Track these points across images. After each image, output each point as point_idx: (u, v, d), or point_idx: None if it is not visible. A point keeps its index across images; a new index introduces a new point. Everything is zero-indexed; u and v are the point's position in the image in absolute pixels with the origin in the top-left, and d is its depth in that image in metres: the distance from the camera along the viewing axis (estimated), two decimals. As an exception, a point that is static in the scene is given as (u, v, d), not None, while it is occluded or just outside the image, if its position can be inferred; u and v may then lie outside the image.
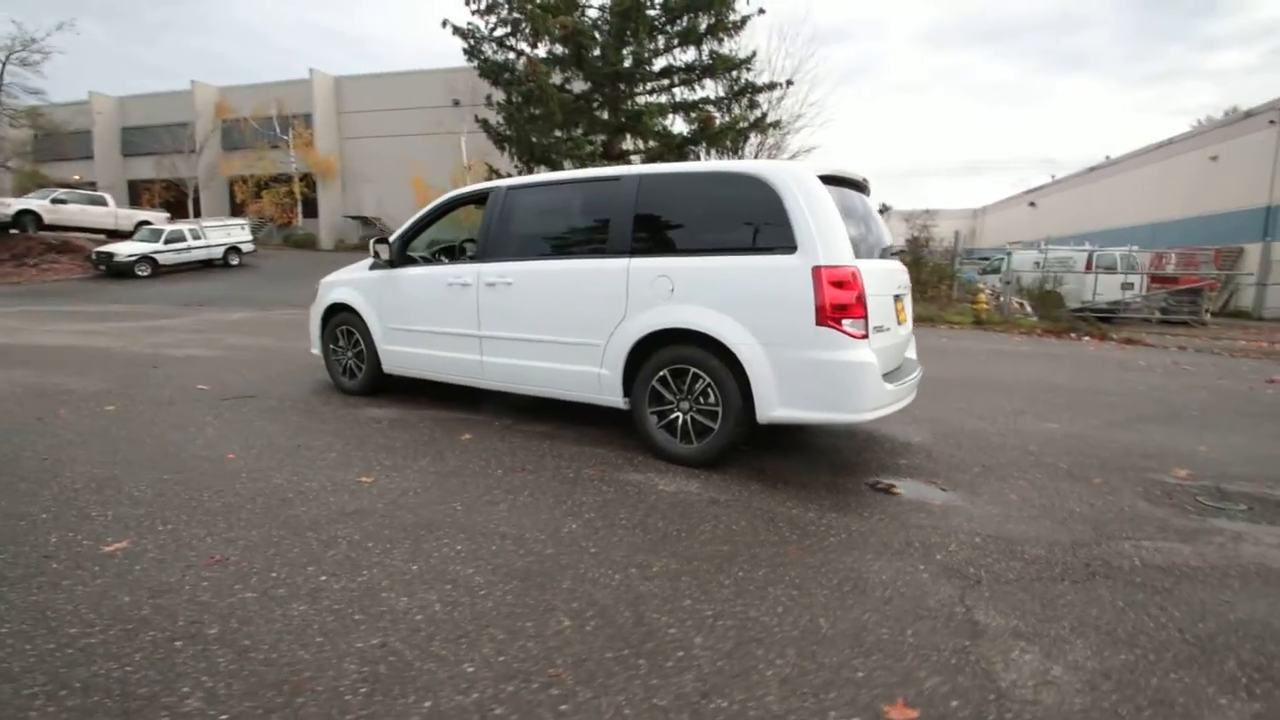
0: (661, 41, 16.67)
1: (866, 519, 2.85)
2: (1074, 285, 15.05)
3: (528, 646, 1.83)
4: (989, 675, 1.76)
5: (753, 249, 3.24)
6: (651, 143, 17.25)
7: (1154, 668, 1.83)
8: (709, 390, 3.34)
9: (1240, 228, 20.37)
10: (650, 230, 3.54)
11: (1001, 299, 14.26)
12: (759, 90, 17.19)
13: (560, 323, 3.78)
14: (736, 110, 17.18)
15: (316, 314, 5.14)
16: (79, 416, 4.22)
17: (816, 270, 3.04)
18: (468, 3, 16.31)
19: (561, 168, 17.41)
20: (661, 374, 3.47)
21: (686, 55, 17.00)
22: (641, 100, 16.87)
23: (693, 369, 3.37)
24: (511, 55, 16.97)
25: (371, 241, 4.68)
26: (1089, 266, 16.00)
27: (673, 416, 3.49)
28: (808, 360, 3.08)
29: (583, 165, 16.69)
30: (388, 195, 29.88)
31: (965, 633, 1.97)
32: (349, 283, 4.90)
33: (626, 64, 15.78)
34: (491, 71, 16.54)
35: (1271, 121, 19.49)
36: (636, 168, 3.70)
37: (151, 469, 3.22)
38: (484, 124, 17.39)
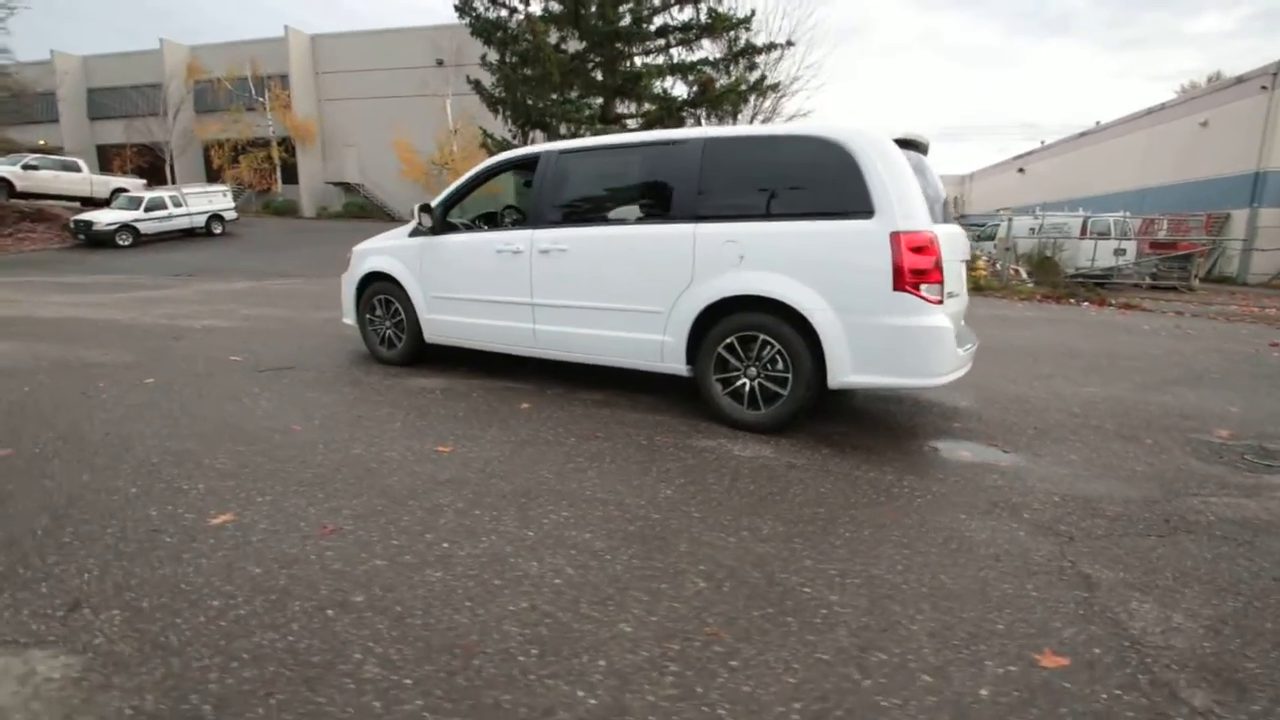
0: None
1: (944, 481, 2.93)
2: (1070, 251, 15.24)
3: (674, 607, 1.87)
4: (1118, 624, 1.85)
5: (826, 213, 3.23)
6: (649, 105, 16.94)
7: (1264, 613, 1.93)
8: (778, 356, 3.37)
9: (1228, 193, 20.70)
10: (717, 195, 3.51)
11: (999, 265, 14.43)
12: (758, 51, 16.87)
13: (620, 290, 3.76)
14: (735, 72, 16.90)
15: (350, 283, 5.05)
16: (122, 389, 4.13)
17: (895, 235, 3.05)
18: (458, -44, 15.70)
19: (558, 132, 17.06)
20: (728, 341, 3.48)
21: (683, 14, 16.61)
22: (639, 61, 16.47)
23: (761, 335, 3.39)
24: (504, 12, 16.42)
25: (415, 208, 4.57)
26: (1084, 232, 16.20)
27: (739, 383, 3.52)
28: (884, 326, 3.11)
29: (579, 129, 16.42)
30: (370, 160, 29.09)
31: (1080, 585, 2.06)
32: (387, 250, 4.81)
33: (624, 22, 15.35)
34: (484, 29, 16.01)
35: (1264, 87, 19.66)
36: (699, 130, 3.65)
37: (225, 441, 3.18)
38: (476, 85, 16.92)
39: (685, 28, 16.45)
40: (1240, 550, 2.35)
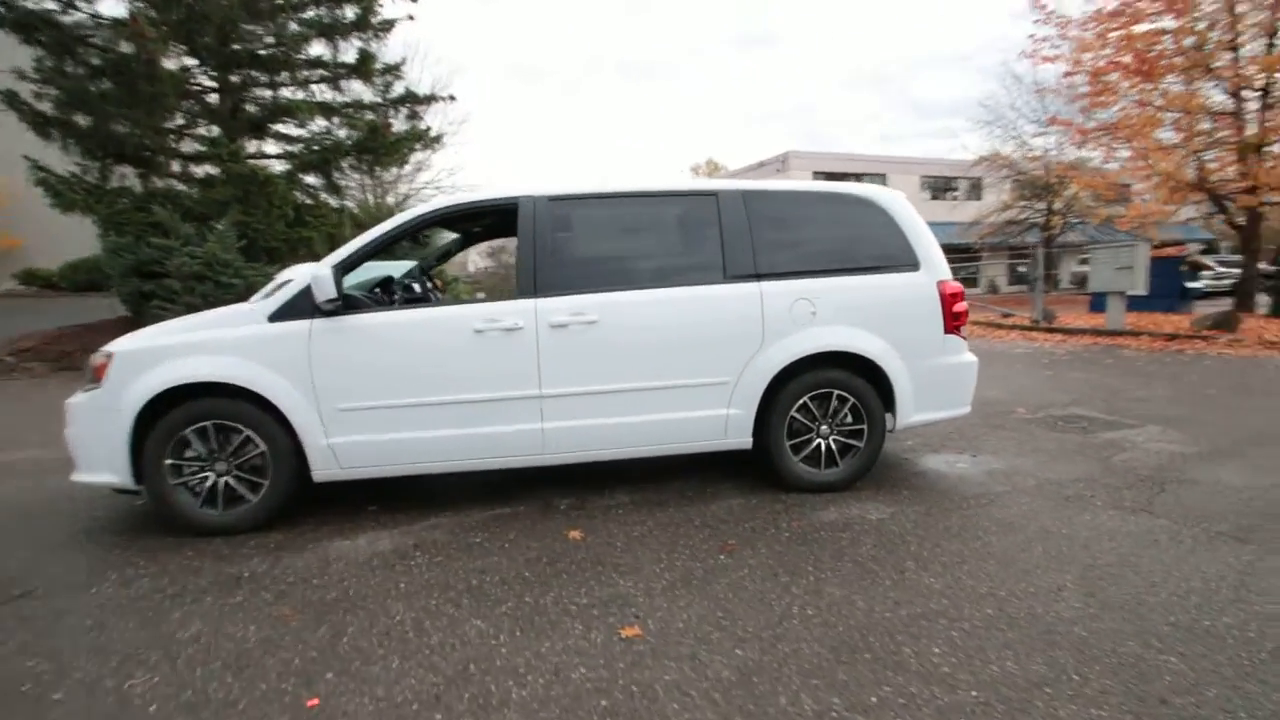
0: (294, 25, 13.96)
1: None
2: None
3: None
4: None
5: (876, 268, 3.36)
6: (298, 147, 14.35)
7: None
8: (848, 411, 3.33)
9: None
10: (772, 251, 3.27)
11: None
12: (420, 101, 16.06)
13: (673, 364, 3.14)
14: (395, 121, 15.71)
15: (120, 413, 2.88)
16: None
17: (941, 284, 3.37)
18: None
19: (162, 169, 13.00)
20: (801, 401, 3.27)
21: (321, 49, 14.65)
22: (286, 94, 13.81)
23: (836, 391, 3.29)
24: (55, 4, 11.69)
25: (277, 275, 2.92)
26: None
27: (813, 444, 3.33)
28: (939, 366, 3.40)
29: (199, 171, 12.86)
30: None
31: (1242, 545, 2.64)
32: (222, 346, 2.91)
33: (264, 45, 12.71)
34: (26, 23, 11.10)
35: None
36: (731, 183, 3.35)
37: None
38: (10, 98, 11.58)
39: (333, 64, 14.54)
40: None
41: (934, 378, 3.40)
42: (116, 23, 11.20)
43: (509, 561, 2.64)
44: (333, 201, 15.24)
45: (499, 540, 2.85)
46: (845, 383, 3.30)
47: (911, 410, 3.39)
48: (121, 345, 3.01)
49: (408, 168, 19.24)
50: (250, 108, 13.95)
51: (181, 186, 13.22)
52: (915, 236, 3.41)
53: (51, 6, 11.61)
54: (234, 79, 13.27)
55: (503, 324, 3.01)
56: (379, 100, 15.34)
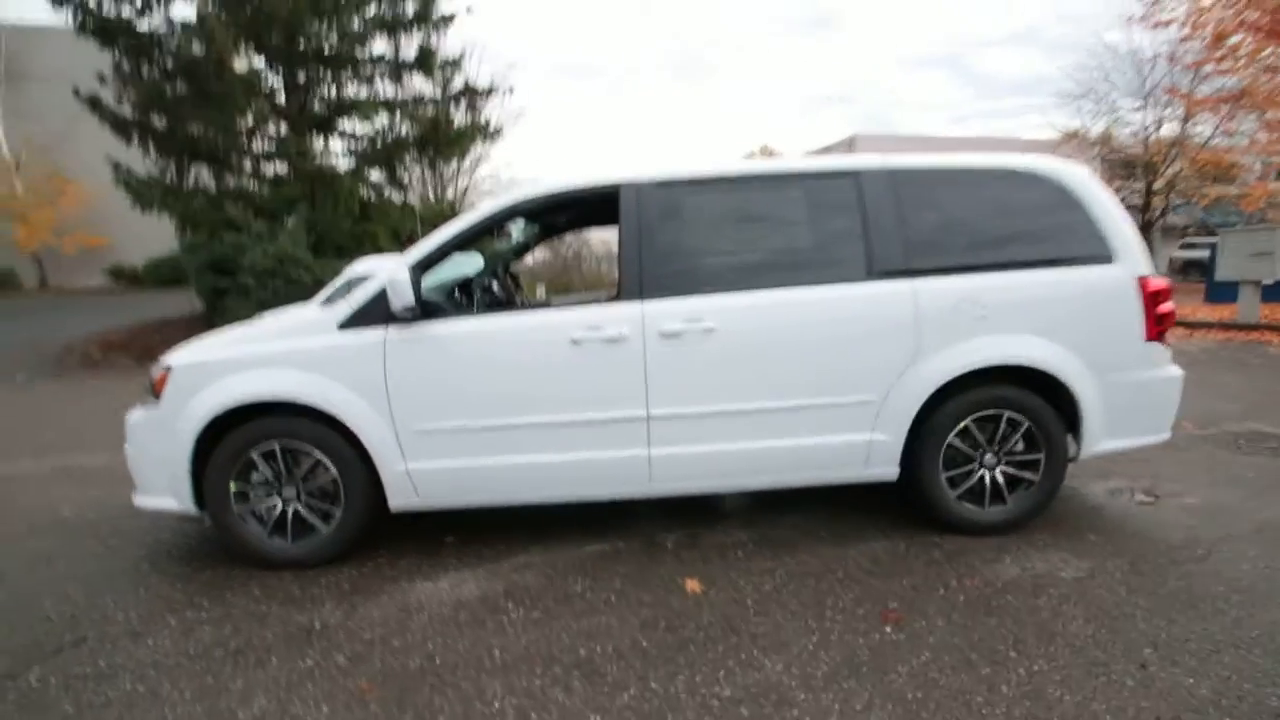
0: (357, 22, 13.94)
1: None
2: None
3: None
4: None
5: (1058, 260, 2.72)
6: (363, 144, 14.39)
7: None
8: (1020, 436, 2.72)
9: None
10: (929, 242, 2.68)
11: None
12: (479, 95, 15.87)
13: (803, 379, 2.60)
14: (456, 114, 15.57)
15: (178, 434, 2.56)
16: None
17: (1142, 281, 2.70)
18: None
19: (235, 168, 13.22)
20: (962, 425, 2.68)
21: (381, 46, 14.59)
22: (351, 91, 13.84)
23: (1007, 413, 2.68)
24: (131, 9, 11.97)
25: (348, 271, 2.54)
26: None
27: (976, 476, 2.74)
28: (1135, 382, 2.73)
29: (259, 165, 13.03)
30: None
31: None
32: (288, 359, 2.56)
33: (329, 43, 12.71)
34: (107, 30, 11.39)
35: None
36: (874, 159, 2.76)
37: None
38: (93, 103, 11.95)
39: (395, 60, 14.48)
40: None
41: (1130, 396, 2.74)
42: (188, 26, 11.36)
43: (620, 623, 2.18)
44: (396, 197, 15.29)
45: (603, 589, 2.40)
46: (1019, 402, 2.68)
47: (1100, 435, 2.74)
48: (180, 358, 2.69)
49: (467, 161, 19.12)
50: (316, 106, 14.07)
51: (253, 185, 13.48)
52: (1107, 220, 2.74)
53: (127, 15, 11.89)
54: (300, 77, 13.37)
55: (604, 333, 2.53)
56: (439, 95, 15.26)
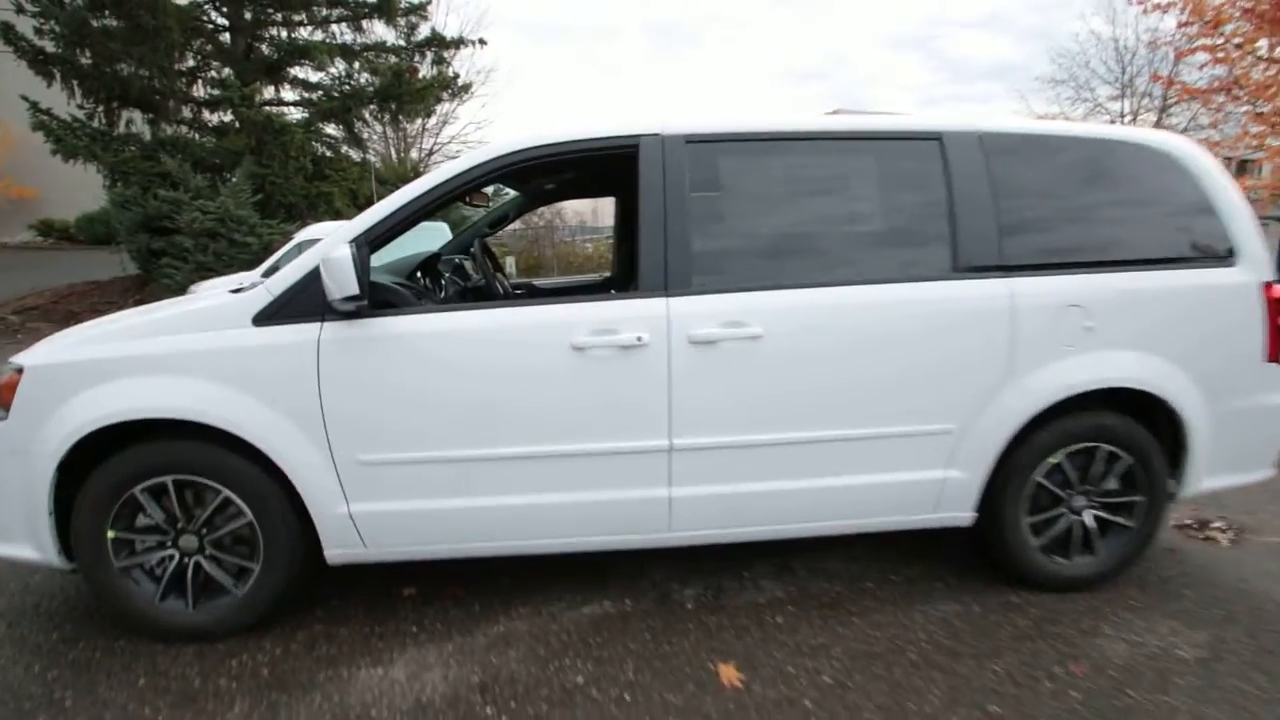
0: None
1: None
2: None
3: None
4: None
5: (1178, 260, 2.18)
6: (317, 95, 13.19)
7: None
8: (1113, 474, 2.21)
9: None
10: (1027, 230, 2.11)
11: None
12: (446, 45, 14.67)
13: (867, 401, 2.03)
14: (422, 65, 14.39)
15: (33, 459, 1.87)
16: None
17: (1267, 288, 2.19)
18: None
19: (173, 116, 11.98)
20: (1053, 461, 2.16)
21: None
22: (303, 34, 12.59)
23: (1105, 447, 2.17)
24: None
25: (297, 239, 2.20)
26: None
27: (1062, 521, 2.23)
28: (1250, 409, 2.24)
29: (206, 114, 11.83)
30: None
31: None
32: (174, 363, 1.87)
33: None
34: (16, -56, 9.98)
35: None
36: (956, 119, 2.17)
37: None
38: (4, 33, 10.55)
39: (354, 2, 13.21)
40: None
41: (1240, 425, 2.25)
42: (114, -55, 10.02)
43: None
44: (354, 154, 14.14)
45: (611, 682, 1.81)
46: (1124, 434, 2.17)
47: (1203, 472, 2.25)
48: (37, 356, 1.98)
49: (432, 120, 17.98)
50: (265, 49, 12.81)
51: (193, 135, 12.22)
52: (1231, 213, 2.21)
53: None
54: (247, 15, 12.08)
55: (617, 337, 1.91)
56: (403, 43, 14.05)
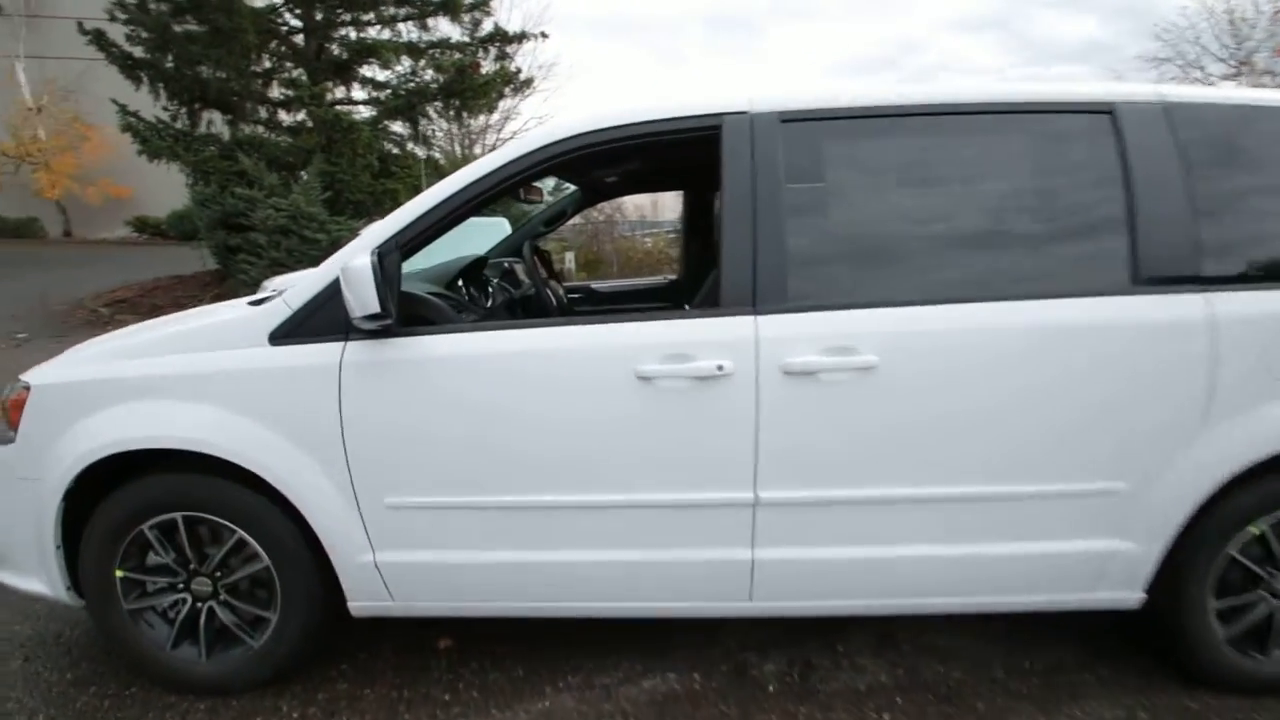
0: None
1: None
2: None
3: None
4: None
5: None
6: (384, 93, 13.36)
7: None
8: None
9: None
10: (1230, 229, 1.63)
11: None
12: (509, 40, 14.60)
13: (1015, 452, 1.59)
14: (486, 61, 14.38)
15: (38, 486, 1.69)
16: None
17: None
18: None
19: (248, 115, 12.34)
20: (1255, 532, 1.66)
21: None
22: (370, 34, 12.77)
23: (1305, 515, 1.65)
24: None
25: (361, 230, 1.63)
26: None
27: (1261, 609, 1.72)
28: None
29: (276, 113, 12.12)
30: None
31: None
32: (182, 386, 1.64)
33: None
34: (106, -46, 10.48)
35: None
36: (1135, 88, 1.69)
37: None
38: (97, 38, 11.12)
39: (420, 2, 13.27)
40: None
41: None
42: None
43: None
44: (419, 151, 14.28)
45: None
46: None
47: None
48: (46, 374, 1.80)
49: (495, 116, 18.01)
50: (335, 49, 13.05)
51: (268, 134, 12.60)
52: None
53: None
54: (318, 17, 12.32)
55: (693, 366, 1.55)
56: (466, 39, 14.06)
